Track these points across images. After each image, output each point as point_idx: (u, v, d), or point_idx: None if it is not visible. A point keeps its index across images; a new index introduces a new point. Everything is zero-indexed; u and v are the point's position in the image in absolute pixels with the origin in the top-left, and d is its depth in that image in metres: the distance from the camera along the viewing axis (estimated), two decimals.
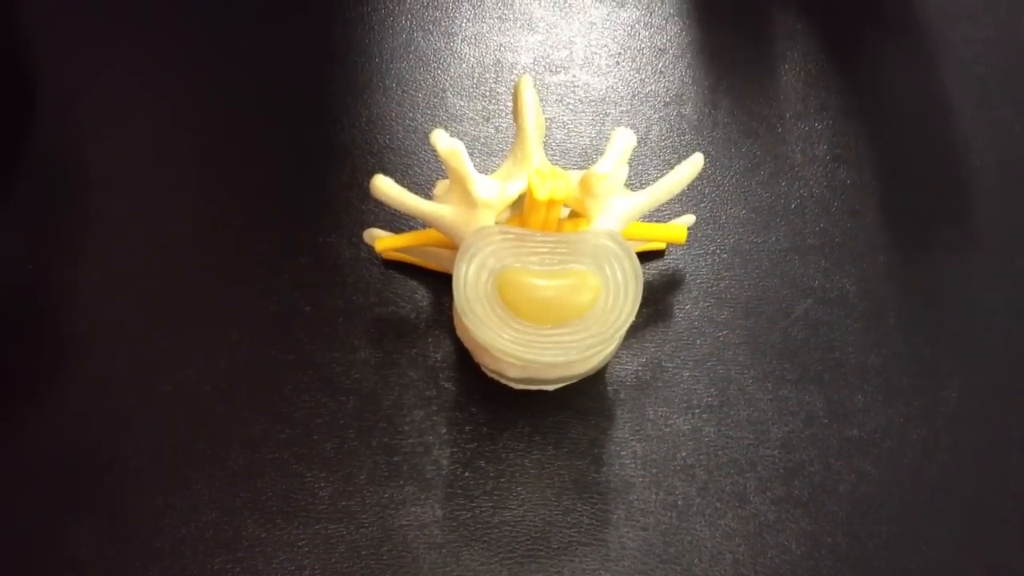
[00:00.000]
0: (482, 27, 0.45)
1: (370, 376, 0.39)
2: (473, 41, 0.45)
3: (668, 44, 0.45)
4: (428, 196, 0.41)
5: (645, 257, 0.41)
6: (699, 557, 0.36)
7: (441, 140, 0.33)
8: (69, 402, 0.38)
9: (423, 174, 0.42)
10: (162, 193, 0.41)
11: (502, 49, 0.45)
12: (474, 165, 0.42)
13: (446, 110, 0.43)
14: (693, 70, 0.45)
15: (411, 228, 0.41)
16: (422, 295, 0.40)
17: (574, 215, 0.36)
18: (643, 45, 0.45)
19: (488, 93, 0.44)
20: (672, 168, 0.42)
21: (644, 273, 0.41)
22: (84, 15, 0.45)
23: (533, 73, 0.44)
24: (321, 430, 0.38)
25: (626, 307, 0.33)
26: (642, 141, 0.43)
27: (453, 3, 0.45)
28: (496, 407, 0.38)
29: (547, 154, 0.43)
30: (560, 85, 0.44)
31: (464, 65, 0.44)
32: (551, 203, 0.33)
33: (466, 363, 0.39)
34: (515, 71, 0.44)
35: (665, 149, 0.43)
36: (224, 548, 0.36)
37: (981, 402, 0.39)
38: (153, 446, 0.37)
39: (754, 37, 0.45)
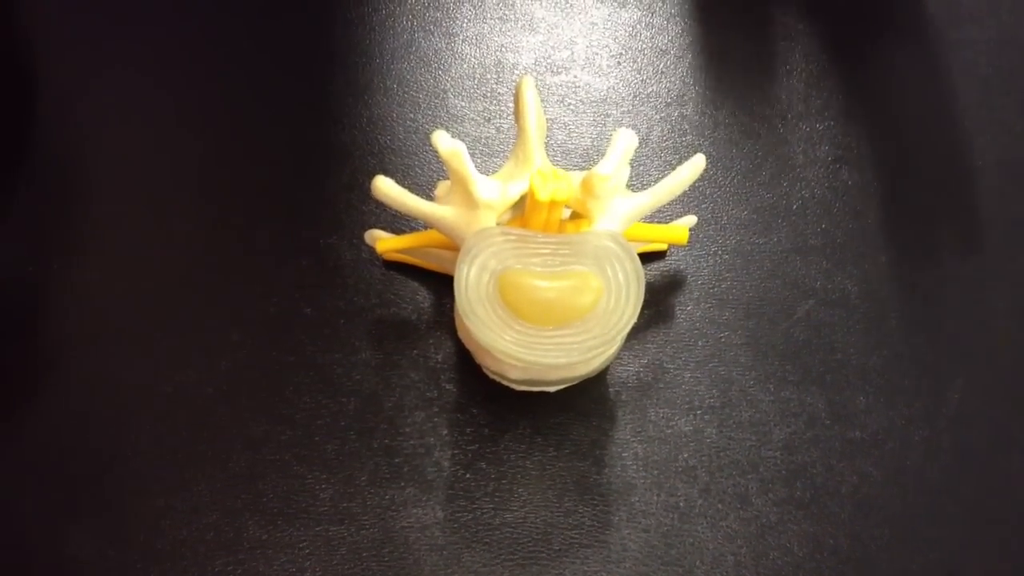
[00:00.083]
0: (483, 28, 0.45)
1: (371, 377, 0.39)
2: (474, 42, 0.45)
3: (669, 45, 0.45)
4: (429, 197, 0.41)
5: (646, 258, 0.41)
6: (701, 559, 0.36)
7: (442, 141, 0.33)
8: (69, 403, 0.38)
9: (424, 175, 0.42)
10: (162, 194, 0.41)
11: (503, 50, 0.44)
12: (475, 166, 0.42)
13: (447, 111, 0.43)
14: (694, 71, 0.45)
15: (412, 229, 0.41)
16: (423, 296, 0.40)
17: (575, 216, 0.36)
18: (644, 46, 0.45)
19: (489, 94, 0.44)
20: (673, 169, 0.42)
21: (645, 274, 0.41)
22: (84, 15, 0.45)
23: (534, 74, 0.44)
24: (322, 431, 0.38)
25: (628, 308, 0.33)
26: (643, 142, 0.43)
27: (454, 4, 0.45)
28: (497, 408, 0.38)
29: (548, 155, 0.43)
30: (561, 86, 0.44)
31: (465, 66, 0.44)
32: (553, 204, 0.33)
33: (467, 364, 0.39)
34: (516, 72, 0.44)
35: (666, 150, 0.43)
36: (225, 550, 0.36)
37: (983, 403, 0.39)
38: (154, 447, 0.37)
39: (756, 38, 0.45)
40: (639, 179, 0.42)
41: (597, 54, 0.45)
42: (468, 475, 0.37)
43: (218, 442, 0.37)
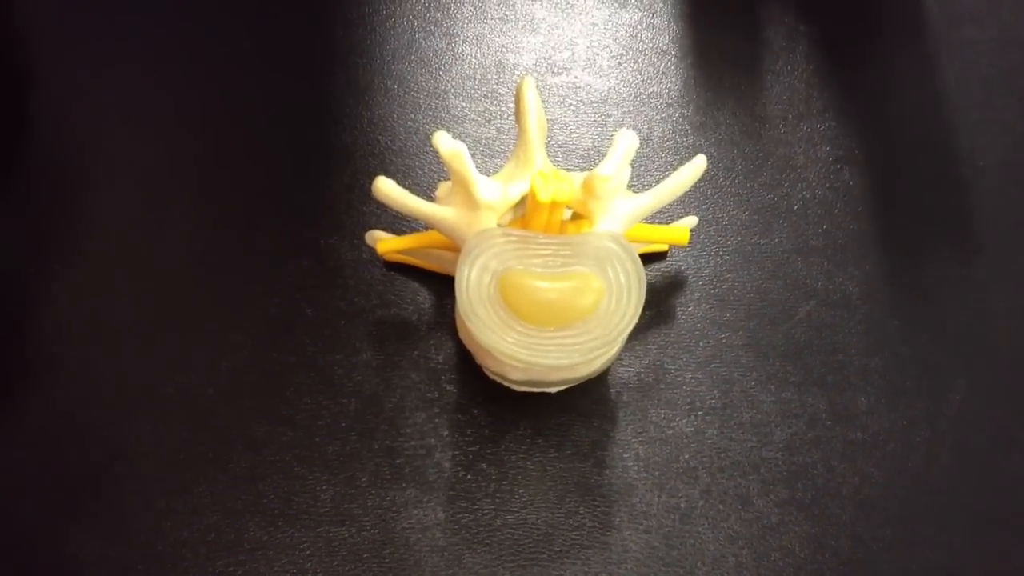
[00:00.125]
0: (484, 28, 0.45)
1: (372, 378, 0.39)
2: (475, 42, 0.45)
3: (670, 45, 0.45)
4: (430, 198, 0.41)
5: (647, 259, 0.41)
6: (702, 560, 0.36)
7: (443, 142, 0.33)
8: (70, 404, 0.38)
9: (425, 176, 0.42)
10: (163, 194, 0.41)
11: (504, 50, 0.44)
12: (476, 167, 0.42)
13: (448, 111, 0.43)
14: (695, 71, 0.44)
15: (413, 230, 0.41)
16: (424, 297, 0.40)
17: (576, 217, 0.36)
18: (645, 46, 0.45)
19: (490, 94, 0.44)
20: (674, 169, 0.42)
21: (646, 275, 0.40)
22: (83, 14, 0.45)
23: (535, 74, 0.44)
24: (323, 432, 0.38)
25: (629, 309, 0.33)
26: (644, 142, 0.43)
27: (455, 4, 0.45)
28: (498, 409, 0.38)
29: (549, 155, 0.43)
30: (562, 86, 0.44)
31: (466, 66, 0.44)
32: (554, 205, 0.33)
33: (468, 365, 0.39)
34: (517, 72, 0.44)
35: (667, 150, 0.43)
36: (225, 551, 0.36)
37: (984, 404, 0.39)
38: (154, 448, 0.37)
39: (757, 38, 0.45)
40: (640, 180, 0.42)
41: (598, 55, 0.45)
42: (469, 476, 0.37)
43: (219, 443, 0.37)
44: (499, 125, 0.43)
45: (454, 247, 0.36)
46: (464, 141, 0.43)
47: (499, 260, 0.33)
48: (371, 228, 0.41)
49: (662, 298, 0.40)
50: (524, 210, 0.35)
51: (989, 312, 0.41)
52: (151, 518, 0.36)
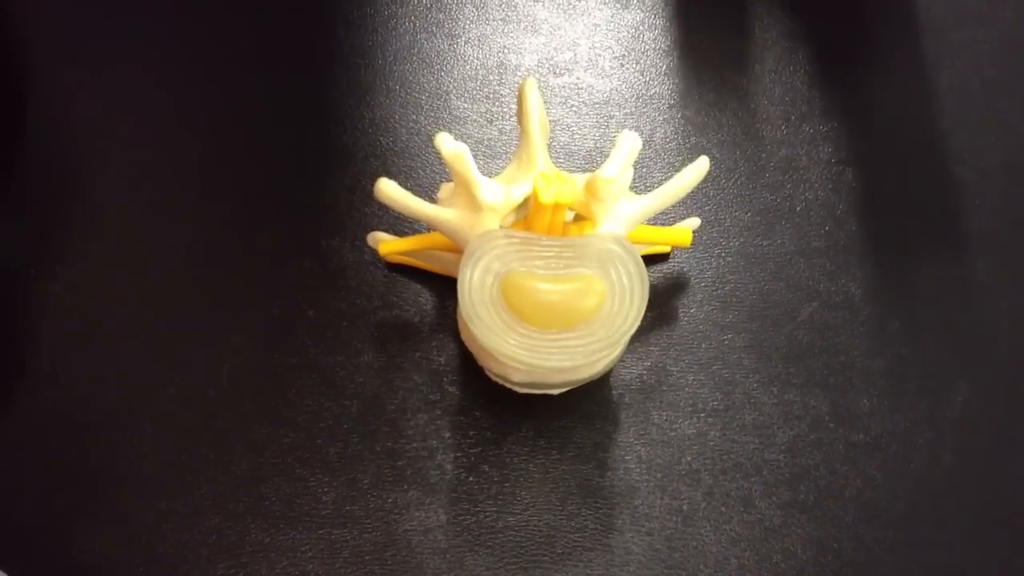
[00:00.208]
0: (486, 29, 0.45)
1: (374, 380, 0.38)
2: (477, 43, 0.45)
3: (672, 46, 0.45)
4: (432, 199, 0.41)
5: (649, 260, 0.41)
6: (704, 562, 0.36)
7: (446, 143, 0.33)
8: (70, 405, 0.38)
9: (427, 177, 0.42)
10: (163, 195, 0.41)
11: (506, 51, 0.44)
12: (478, 168, 0.42)
13: (449, 112, 0.43)
14: (697, 72, 0.44)
15: (415, 231, 0.41)
16: (426, 299, 0.40)
17: (578, 218, 0.36)
18: (647, 47, 0.45)
19: (492, 95, 0.43)
20: (676, 170, 0.42)
21: (649, 276, 0.40)
22: (82, 14, 0.45)
23: (537, 75, 0.44)
24: (324, 434, 0.38)
25: (632, 311, 0.33)
26: (646, 143, 0.43)
27: (456, 5, 0.45)
28: (500, 411, 0.38)
29: (551, 157, 0.42)
30: (564, 87, 0.44)
31: (468, 67, 0.44)
32: (556, 207, 0.33)
33: (470, 367, 0.39)
34: (519, 73, 0.44)
35: (669, 151, 0.43)
36: (227, 553, 0.36)
37: (987, 406, 0.39)
38: (155, 450, 0.37)
39: (759, 39, 0.45)
40: (642, 181, 0.42)
41: (600, 55, 0.44)
42: (471, 478, 0.37)
43: (220, 445, 0.37)
44: (501, 126, 0.43)
45: (456, 249, 0.36)
46: (466, 142, 0.42)
47: (501, 262, 0.33)
48: (373, 229, 0.41)
49: (664, 300, 0.40)
50: (526, 212, 0.35)
51: (991, 314, 0.40)
52: (152, 520, 0.36)
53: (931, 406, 0.39)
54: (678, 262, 0.41)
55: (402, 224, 0.41)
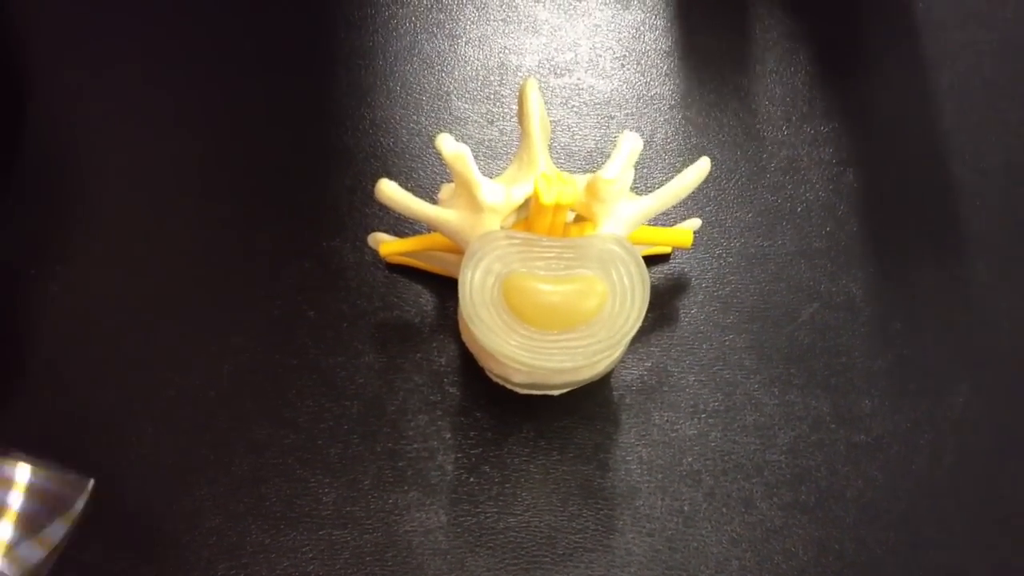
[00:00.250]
0: (486, 30, 0.45)
1: (374, 381, 0.38)
2: (477, 44, 0.44)
3: (673, 46, 0.45)
4: (433, 200, 0.41)
5: (650, 261, 0.41)
6: (705, 563, 0.36)
7: (446, 144, 0.33)
8: (70, 405, 0.38)
9: (428, 177, 0.42)
10: (164, 196, 0.41)
11: (506, 52, 0.44)
12: (479, 169, 0.42)
13: (450, 113, 0.43)
14: (698, 72, 0.44)
15: (415, 232, 0.41)
16: (426, 299, 0.40)
17: (579, 219, 0.36)
18: (648, 47, 0.45)
19: (492, 96, 0.43)
20: (677, 171, 0.42)
21: (650, 277, 0.40)
22: (84, 15, 0.44)
23: (538, 76, 0.44)
24: (325, 435, 0.38)
25: (633, 312, 0.33)
26: (647, 144, 0.43)
27: (457, 5, 0.45)
28: (501, 412, 0.38)
29: (552, 157, 0.42)
30: (565, 88, 0.44)
31: (468, 68, 0.44)
32: (557, 208, 0.33)
33: (471, 368, 0.39)
34: (520, 74, 0.44)
35: (670, 152, 0.43)
36: (227, 554, 0.36)
37: (988, 407, 0.39)
38: (155, 451, 0.37)
39: (760, 39, 0.45)
40: (643, 181, 0.42)
41: (601, 56, 0.44)
42: (472, 479, 0.37)
43: (220, 446, 0.37)
44: (502, 127, 0.43)
45: (457, 250, 0.36)
46: (467, 143, 0.42)
47: (502, 263, 0.33)
48: (373, 230, 0.41)
49: (665, 300, 0.40)
50: (527, 213, 0.35)
51: (992, 314, 0.40)
52: (152, 521, 0.36)
53: (932, 407, 0.39)
54: (679, 263, 0.41)
55: (403, 225, 0.41)
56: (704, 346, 0.39)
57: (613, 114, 0.43)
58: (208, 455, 0.37)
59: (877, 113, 0.44)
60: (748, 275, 0.41)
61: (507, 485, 0.37)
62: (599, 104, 0.43)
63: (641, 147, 0.34)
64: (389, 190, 0.34)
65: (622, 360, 0.39)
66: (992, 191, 0.43)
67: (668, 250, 0.41)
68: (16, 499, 0.32)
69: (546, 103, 0.43)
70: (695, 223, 0.40)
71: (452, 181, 0.40)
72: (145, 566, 0.36)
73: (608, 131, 0.43)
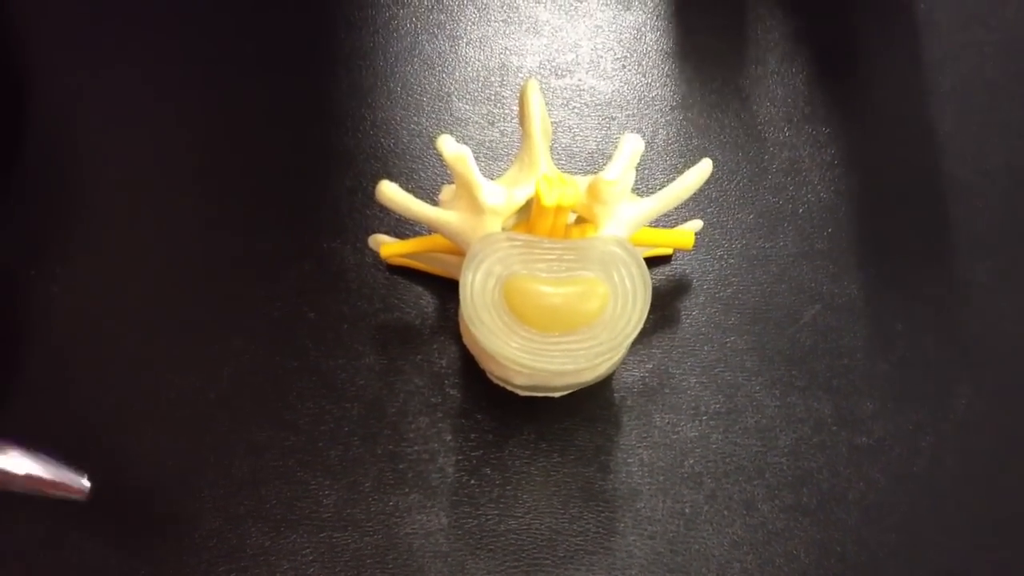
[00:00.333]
0: (487, 30, 0.45)
1: (375, 383, 0.38)
2: (478, 44, 0.44)
3: (674, 48, 0.45)
4: (433, 202, 0.41)
5: (652, 262, 0.41)
6: (707, 566, 0.36)
7: (447, 146, 0.33)
8: (69, 408, 0.38)
9: (428, 179, 0.42)
10: (164, 197, 0.41)
11: (507, 53, 0.44)
12: (480, 170, 0.42)
13: (451, 114, 0.43)
14: (700, 73, 0.44)
15: (416, 234, 0.41)
16: (427, 301, 0.40)
17: (580, 221, 0.36)
18: (649, 48, 0.45)
19: (493, 97, 0.43)
20: (678, 172, 0.42)
21: (651, 279, 0.40)
22: (83, 16, 0.44)
23: (539, 77, 0.44)
24: (325, 437, 0.37)
25: (635, 314, 0.33)
26: (648, 145, 0.43)
27: (458, 6, 0.45)
28: (502, 414, 0.38)
29: (553, 158, 0.42)
30: (566, 89, 0.44)
31: (469, 69, 0.44)
32: (558, 209, 0.33)
33: (472, 370, 0.38)
34: (520, 75, 0.44)
35: (672, 153, 0.43)
36: (227, 557, 0.36)
37: (990, 408, 0.39)
38: (155, 453, 0.37)
39: (761, 41, 0.45)
40: (644, 182, 0.42)
41: (602, 57, 0.44)
42: (472, 481, 0.37)
43: (221, 448, 0.37)
44: (503, 128, 0.43)
45: (458, 251, 0.36)
46: (467, 144, 0.42)
47: (503, 265, 0.33)
48: (374, 232, 0.41)
49: (667, 302, 0.40)
50: (528, 214, 0.35)
51: (994, 316, 0.40)
52: (152, 523, 0.36)
53: (934, 409, 0.39)
54: (680, 264, 0.41)
55: (403, 226, 0.41)
56: (705, 348, 0.39)
57: (614, 115, 0.43)
58: (208, 457, 0.37)
59: (878, 114, 0.44)
60: (750, 277, 0.41)
61: (508, 487, 0.37)
62: (600, 105, 0.43)
63: (642, 148, 0.34)
64: (390, 191, 0.34)
65: (623, 362, 0.39)
66: (994, 192, 0.42)
67: (669, 252, 0.41)
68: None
69: (547, 104, 0.43)
70: (696, 224, 0.40)
71: (453, 182, 0.40)
72: (145, 568, 0.36)
73: (609, 132, 0.43)
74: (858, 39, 0.45)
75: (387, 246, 0.38)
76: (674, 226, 0.41)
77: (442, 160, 0.39)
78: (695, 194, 0.42)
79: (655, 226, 0.41)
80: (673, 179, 0.42)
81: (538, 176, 0.34)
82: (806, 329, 0.40)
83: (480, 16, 0.45)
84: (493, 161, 0.42)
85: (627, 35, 0.45)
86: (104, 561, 0.36)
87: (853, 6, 0.46)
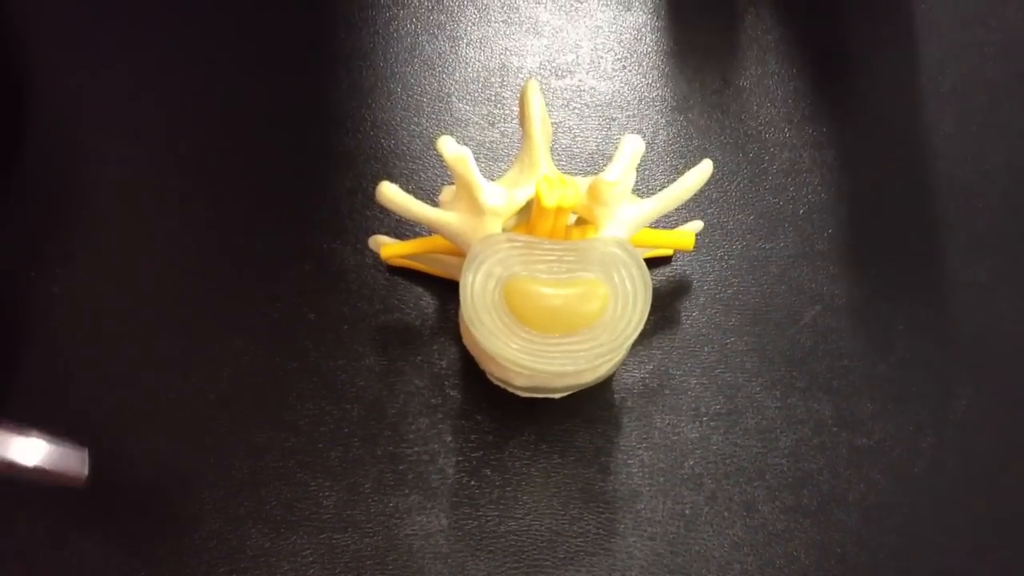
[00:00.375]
0: (487, 31, 0.45)
1: (375, 384, 0.38)
2: (478, 45, 0.44)
3: (674, 48, 0.45)
4: (434, 203, 0.41)
5: (652, 263, 0.41)
6: (707, 567, 0.36)
7: (448, 146, 0.33)
8: (70, 410, 0.38)
9: (429, 180, 0.42)
10: (163, 198, 0.41)
11: (507, 53, 0.44)
12: (480, 171, 0.42)
13: (451, 115, 0.43)
14: (700, 74, 0.44)
15: (416, 234, 0.41)
16: (427, 302, 0.40)
17: (581, 222, 0.36)
18: (649, 49, 0.45)
19: (494, 98, 0.43)
20: (679, 173, 0.42)
21: (651, 280, 0.40)
22: (83, 16, 0.44)
23: (539, 77, 0.44)
24: (326, 438, 0.37)
25: (635, 315, 0.33)
26: (649, 146, 0.43)
27: (458, 7, 0.45)
28: (502, 415, 0.38)
29: (553, 159, 0.42)
30: (566, 89, 0.44)
31: (469, 69, 0.44)
32: (559, 210, 0.33)
33: (472, 371, 0.38)
34: (521, 75, 0.44)
35: (672, 154, 0.43)
36: (227, 558, 0.36)
37: (991, 410, 0.39)
38: (156, 454, 0.37)
39: (762, 41, 0.45)
40: (644, 183, 0.42)
41: (602, 58, 0.44)
42: (473, 482, 0.37)
43: (221, 449, 0.37)
44: (503, 129, 0.43)
45: (458, 252, 0.36)
46: (468, 145, 0.42)
47: (504, 266, 0.33)
48: (374, 233, 0.41)
49: (667, 303, 0.40)
50: (529, 215, 0.35)
51: (995, 317, 0.40)
52: (152, 524, 0.36)
53: (934, 410, 0.39)
54: (680, 265, 0.41)
55: (403, 227, 0.41)
56: (706, 349, 0.39)
57: (615, 116, 0.43)
58: (208, 458, 0.37)
59: (878, 115, 0.44)
60: (750, 277, 0.41)
61: (508, 488, 0.37)
62: (600, 106, 0.43)
63: (643, 149, 0.34)
64: (390, 192, 0.34)
65: (624, 363, 0.39)
66: (994, 192, 0.42)
67: (670, 253, 0.41)
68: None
69: (547, 105, 0.43)
70: (697, 225, 0.40)
71: (453, 183, 0.40)
72: (145, 569, 0.36)
73: (610, 133, 0.43)
74: (858, 40, 0.45)
75: (387, 247, 0.38)
76: (674, 227, 0.41)
77: (442, 161, 0.39)
78: (695, 195, 0.42)
79: (655, 227, 0.41)
80: (673, 180, 0.42)
81: (538, 177, 0.33)
82: (806, 330, 0.40)
83: (480, 17, 0.45)
84: (493, 162, 0.42)
85: (627, 36, 0.45)
86: (104, 561, 0.36)
87: (853, 7, 0.46)
